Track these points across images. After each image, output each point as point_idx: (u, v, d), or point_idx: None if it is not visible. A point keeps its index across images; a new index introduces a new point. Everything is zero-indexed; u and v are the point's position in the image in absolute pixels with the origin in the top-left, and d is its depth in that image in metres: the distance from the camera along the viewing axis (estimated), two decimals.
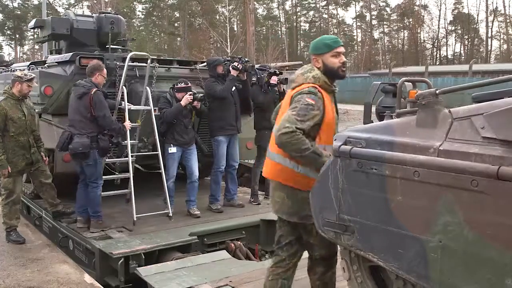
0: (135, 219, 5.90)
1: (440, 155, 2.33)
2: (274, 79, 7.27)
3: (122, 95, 6.31)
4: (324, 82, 3.24)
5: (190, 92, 6.46)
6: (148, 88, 6.55)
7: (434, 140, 2.41)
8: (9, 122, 5.70)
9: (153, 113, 6.41)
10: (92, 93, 5.64)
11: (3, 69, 9.87)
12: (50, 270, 5.05)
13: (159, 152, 6.37)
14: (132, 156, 6.38)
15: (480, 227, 2.19)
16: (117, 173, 6.53)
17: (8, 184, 5.85)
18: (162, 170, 6.32)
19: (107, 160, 6.31)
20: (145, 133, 6.65)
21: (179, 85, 6.53)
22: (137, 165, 6.67)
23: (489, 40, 64.88)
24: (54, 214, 6.36)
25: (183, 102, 6.39)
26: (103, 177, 6.10)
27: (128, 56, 6.39)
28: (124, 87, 6.34)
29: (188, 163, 6.68)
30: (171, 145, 6.50)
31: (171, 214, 6.23)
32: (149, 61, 6.59)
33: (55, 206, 6.32)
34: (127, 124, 6.13)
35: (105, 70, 5.96)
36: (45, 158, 6.17)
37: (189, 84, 6.61)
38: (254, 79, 7.37)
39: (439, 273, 2.36)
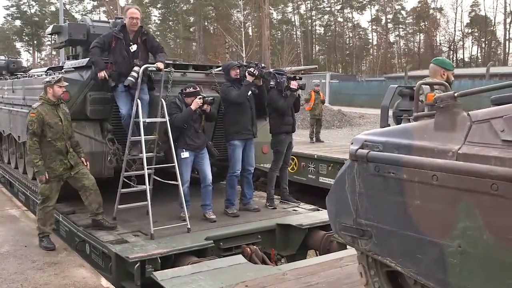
0: (152, 232, 5.88)
1: (459, 158, 2.30)
2: (294, 84, 7.25)
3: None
4: None
5: (200, 96, 6.44)
6: (163, 100, 6.46)
7: (452, 143, 2.38)
8: (46, 127, 5.71)
9: (168, 123, 6.33)
10: None
11: (21, 74, 9.99)
12: (67, 274, 5.07)
13: (175, 158, 6.31)
14: (149, 168, 6.30)
15: (500, 231, 2.15)
16: (134, 183, 6.52)
17: (45, 190, 5.84)
18: (178, 176, 6.29)
19: (125, 173, 6.32)
20: (159, 137, 6.62)
21: (187, 90, 6.49)
22: (155, 177, 6.63)
23: (507, 42, 64.20)
24: (93, 223, 6.23)
25: (193, 106, 6.37)
26: (122, 190, 6.33)
27: (141, 70, 6.23)
28: (139, 101, 6.18)
29: (201, 167, 6.66)
30: (184, 150, 6.48)
31: (189, 226, 6.14)
32: (162, 72, 6.50)
33: (96, 215, 6.16)
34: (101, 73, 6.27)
35: None
36: (85, 163, 6.12)
37: (198, 88, 6.56)
38: (272, 83, 7.34)
39: (458, 278, 2.33)
